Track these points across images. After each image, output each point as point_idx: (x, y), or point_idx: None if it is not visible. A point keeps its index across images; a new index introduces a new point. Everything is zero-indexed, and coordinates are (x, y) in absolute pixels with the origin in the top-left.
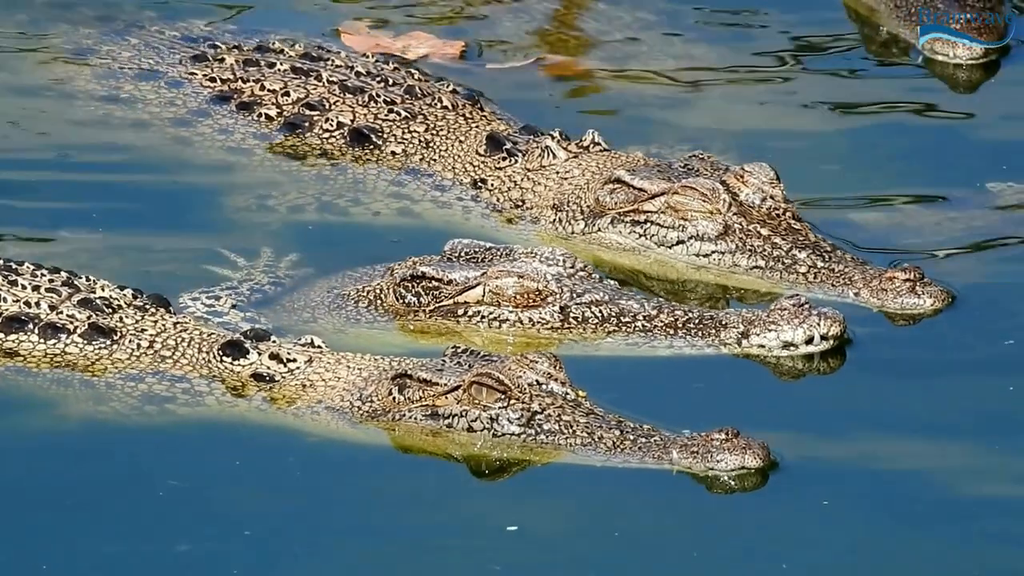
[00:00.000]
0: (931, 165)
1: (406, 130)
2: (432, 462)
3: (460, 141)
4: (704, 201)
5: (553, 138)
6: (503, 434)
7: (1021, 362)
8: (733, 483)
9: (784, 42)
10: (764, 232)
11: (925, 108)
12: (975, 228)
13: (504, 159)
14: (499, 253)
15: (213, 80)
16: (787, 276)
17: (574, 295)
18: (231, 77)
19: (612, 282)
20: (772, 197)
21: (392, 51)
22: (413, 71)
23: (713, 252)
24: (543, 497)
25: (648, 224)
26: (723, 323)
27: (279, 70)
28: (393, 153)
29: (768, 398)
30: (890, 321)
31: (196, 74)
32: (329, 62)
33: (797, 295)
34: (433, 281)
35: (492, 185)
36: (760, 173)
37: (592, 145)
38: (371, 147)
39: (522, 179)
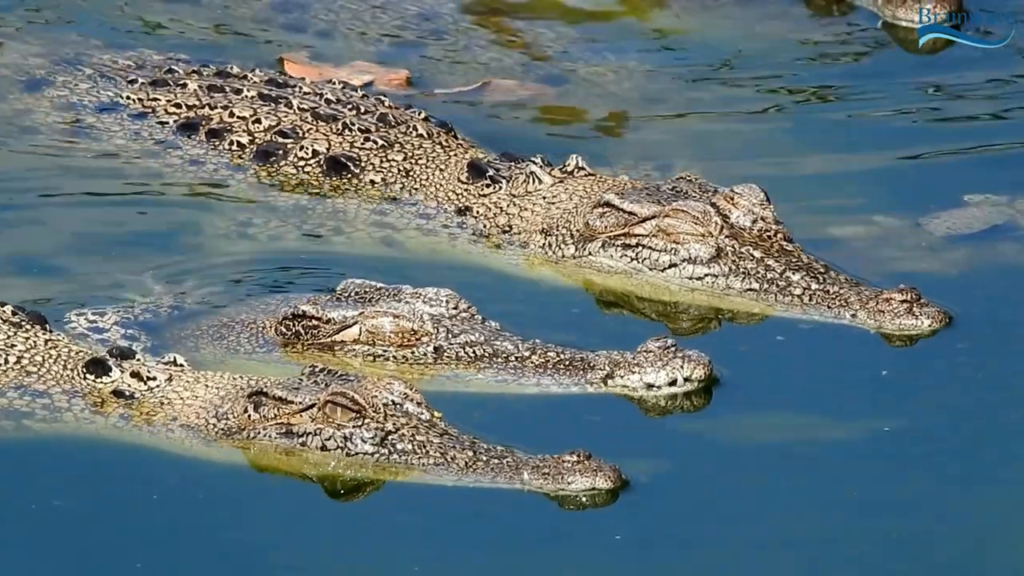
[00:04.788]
0: (907, 177)
1: (384, 159)
2: (284, 481)
3: (440, 169)
4: (696, 224)
5: (537, 163)
6: (356, 453)
7: (892, 391)
8: (585, 501)
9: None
10: (757, 254)
11: (899, 115)
12: (955, 241)
13: (488, 186)
14: (388, 293)
15: (178, 106)
16: (782, 299)
17: (450, 335)
18: (197, 103)
19: (494, 323)
20: (763, 219)
21: (336, 78)
22: (383, 98)
23: (706, 275)
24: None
25: (639, 248)
26: (591, 364)
27: (246, 96)
28: (372, 182)
29: (639, 428)
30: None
31: (159, 99)
32: (297, 88)
33: (664, 337)
34: (312, 320)
35: (478, 212)
36: (750, 194)
37: (576, 169)
38: (348, 176)
39: (508, 205)
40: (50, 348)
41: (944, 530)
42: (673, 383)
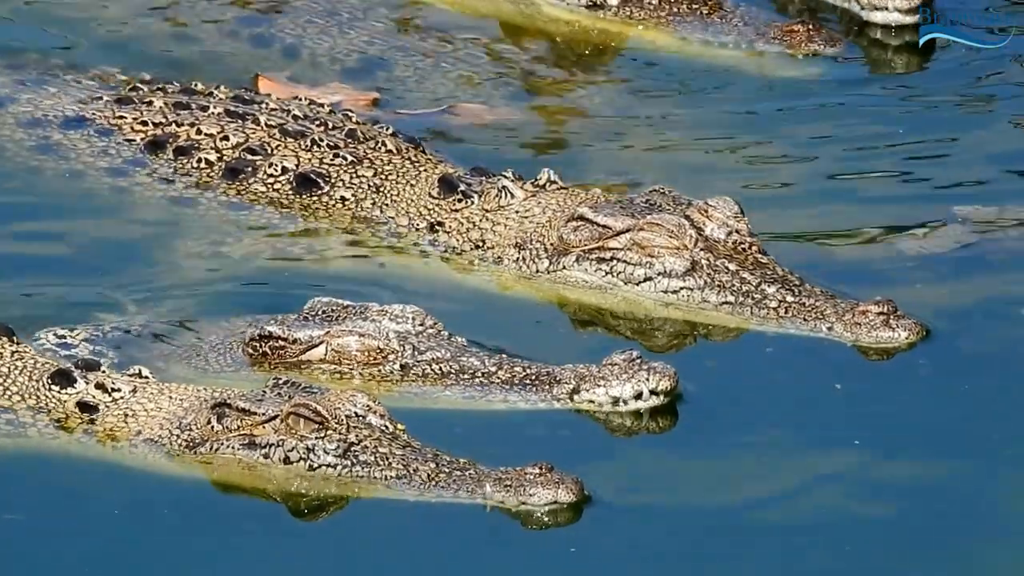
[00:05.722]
0: (895, 189)
1: (354, 175)
2: (246, 493)
3: (411, 185)
4: (670, 237)
5: (509, 178)
6: (319, 465)
7: (865, 405)
8: (546, 518)
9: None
10: (732, 267)
11: (880, 127)
12: (944, 253)
13: (459, 201)
14: (354, 311)
15: (145, 124)
16: (757, 312)
17: (416, 353)
18: (163, 120)
19: (460, 339)
20: (737, 231)
21: (308, 97)
22: (350, 114)
23: (681, 288)
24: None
25: (614, 261)
26: (557, 379)
27: (213, 113)
28: (342, 199)
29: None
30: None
31: (125, 118)
32: (263, 105)
33: (629, 351)
34: (279, 340)
35: (450, 227)
36: (724, 207)
37: (549, 183)
38: (318, 192)
39: (480, 220)
40: (16, 360)
41: (917, 547)
42: (639, 396)
